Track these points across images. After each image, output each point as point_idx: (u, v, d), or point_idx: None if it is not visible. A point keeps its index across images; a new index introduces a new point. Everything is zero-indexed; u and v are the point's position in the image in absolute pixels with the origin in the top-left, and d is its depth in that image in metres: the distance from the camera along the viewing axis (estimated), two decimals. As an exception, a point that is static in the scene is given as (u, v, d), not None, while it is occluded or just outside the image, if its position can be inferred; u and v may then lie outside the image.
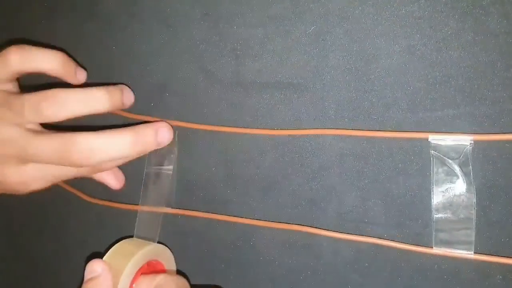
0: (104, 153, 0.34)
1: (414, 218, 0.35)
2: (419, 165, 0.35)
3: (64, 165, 0.35)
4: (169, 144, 0.38)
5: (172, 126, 0.39)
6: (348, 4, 0.36)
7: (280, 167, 0.38)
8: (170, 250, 0.38)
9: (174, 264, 0.39)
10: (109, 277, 0.33)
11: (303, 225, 0.37)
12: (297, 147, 0.38)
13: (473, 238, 0.33)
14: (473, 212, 0.33)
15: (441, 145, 0.34)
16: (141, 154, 0.37)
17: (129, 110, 0.41)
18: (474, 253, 0.33)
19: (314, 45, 0.37)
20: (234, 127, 0.39)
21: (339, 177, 0.36)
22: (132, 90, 0.40)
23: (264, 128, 0.38)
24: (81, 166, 0.35)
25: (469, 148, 0.33)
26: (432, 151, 0.34)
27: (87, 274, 0.34)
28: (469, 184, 0.33)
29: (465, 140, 0.33)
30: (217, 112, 0.40)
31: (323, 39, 0.37)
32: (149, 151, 0.37)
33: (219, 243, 0.40)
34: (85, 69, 0.41)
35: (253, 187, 0.39)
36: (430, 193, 0.34)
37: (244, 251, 0.39)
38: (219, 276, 0.40)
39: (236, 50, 0.39)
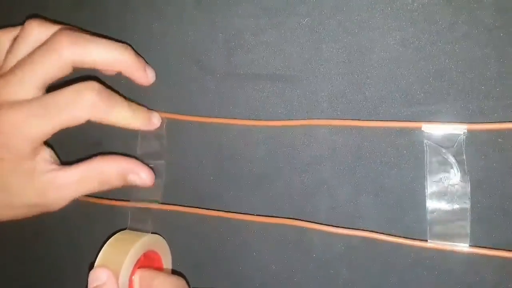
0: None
1: (407, 212, 0.34)
2: (412, 158, 0.34)
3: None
4: (158, 137, 0.38)
5: (161, 118, 0.38)
6: (342, -4, 0.36)
7: (272, 160, 0.37)
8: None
9: (169, 253, 0.39)
10: (115, 285, 0.33)
11: (295, 218, 0.36)
12: (288, 140, 0.37)
13: (468, 230, 0.32)
14: (468, 202, 0.33)
15: (434, 134, 0.33)
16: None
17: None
18: (469, 246, 0.32)
19: (307, 37, 0.37)
20: (225, 118, 0.38)
21: (331, 170, 0.36)
22: (121, 79, 0.39)
23: (255, 120, 0.38)
24: None
25: (462, 137, 0.33)
26: (426, 140, 0.34)
27: (92, 282, 0.33)
28: (463, 173, 0.33)
29: (459, 129, 0.33)
30: (208, 103, 0.39)
31: (316, 31, 0.37)
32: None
33: (209, 237, 0.39)
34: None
35: (244, 180, 0.38)
36: (423, 187, 0.34)
37: (235, 245, 0.38)
38: (209, 270, 0.39)
39: (228, 41, 0.39)
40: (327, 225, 0.35)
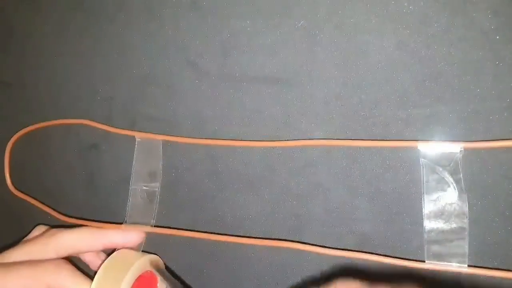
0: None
1: (402, 215, 0.34)
2: (407, 162, 0.34)
3: None
4: (154, 162, 0.38)
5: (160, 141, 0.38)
6: (338, -1, 0.36)
7: (268, 163, 0.37)
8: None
9: (165, 271, 0.37)
10: None
11: (291, 240, 0.36)
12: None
13: (466, 250, 0.31)
14: (466, 221, 0.32)
15: (430, 153, 0.33)
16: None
17: (111, 122, 0.40)
18: (468, 266, 0.31)
19: (303, 40, 0.37)
20: (220, 122, 0.38)
21: (326, 173, 0.36)
22: (115, 81, 0.39)
23: (252, 140, 0.37)
24: None
25: (459, 155, 0.32)
26: (422, 159, 0.33)
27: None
28: (460, 191, 0.32)
29: (455, 148, 0.32)
30: (204, 105, 0.39)
31: (312, 34, 0.37)
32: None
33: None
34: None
35: (239, 182, 0.38)
36: (417, 188, 0.33)
37: (231, 251, 0.38)
38: (203, 273, 0.39)
39: (224, 43, 0.38)
40: (322, 246, 0.35)
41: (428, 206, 0.32)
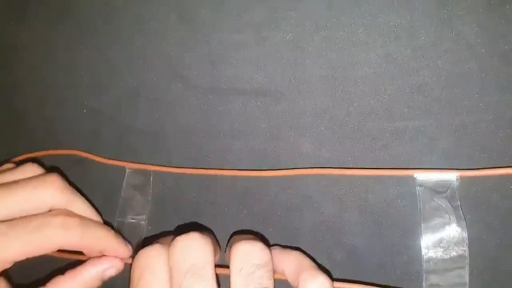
0: None
1: (392, 229, 0.34)
2: (399, 176, 0.34)
3: None
4: (142, 192, 0.37)
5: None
6: (326, 12, 0.36)
7: (256, 176, 0.37)
8: None
9: None
10: None
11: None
12: (273, 156, 0.37)
13: (467, 279, 0.30)
14: (466, 248, 0.31)
15: (427, 181, 0.33)
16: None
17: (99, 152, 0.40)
18: None
19: (291, 53, 0.37)
20: (208, 135, 0.38)
21: (316, 186, 0.36)
22: (102, 94, 0.39)
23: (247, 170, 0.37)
24: None
25: (455, 183, 0.32)
26: (418, 188, 0.33)
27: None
28: (459, 218, 0.31)
29: (451, 176, 0.32)
30: (192, 119, 0.38)
31: (300, 47, 0.37)
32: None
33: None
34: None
35: (228, 195, 0.37)
36: (409, 202, 0.33)
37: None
38: None
39: (211, 56, 0.38)
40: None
41: (426, 234, 0.32)
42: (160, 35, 0.39)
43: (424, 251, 0.32)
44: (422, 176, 0.33)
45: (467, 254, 0.31)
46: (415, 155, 0.34)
